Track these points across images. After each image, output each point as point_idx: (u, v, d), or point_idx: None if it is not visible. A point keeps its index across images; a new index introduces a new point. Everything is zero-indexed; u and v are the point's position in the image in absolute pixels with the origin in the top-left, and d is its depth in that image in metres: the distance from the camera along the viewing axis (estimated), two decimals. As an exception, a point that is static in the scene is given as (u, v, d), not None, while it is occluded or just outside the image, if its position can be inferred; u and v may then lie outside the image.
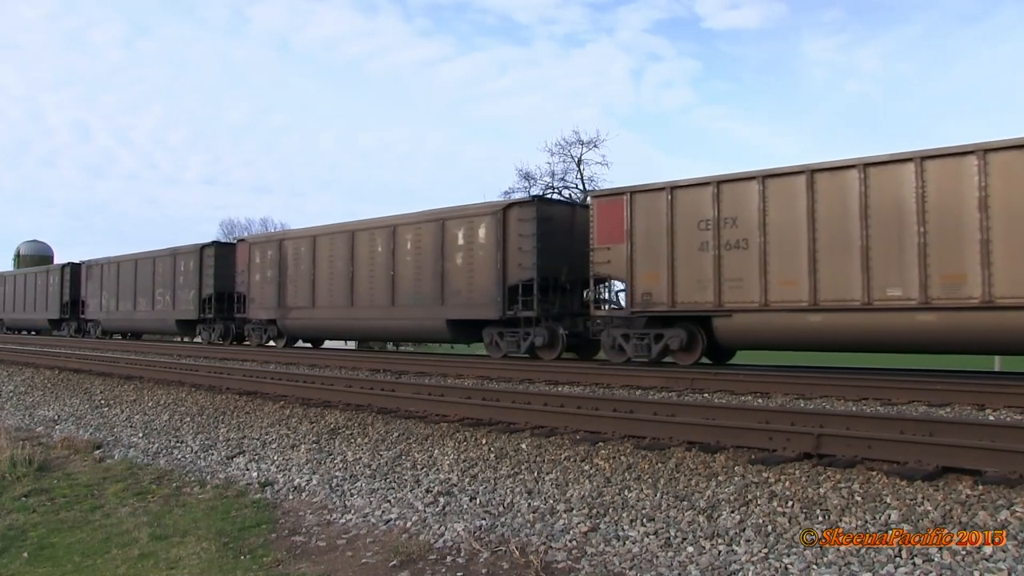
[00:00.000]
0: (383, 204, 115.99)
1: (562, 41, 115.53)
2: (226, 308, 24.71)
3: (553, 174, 39.13)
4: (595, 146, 38.99)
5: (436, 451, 7.47)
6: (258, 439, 8.95)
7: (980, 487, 4.97)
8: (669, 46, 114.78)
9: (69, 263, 34.23)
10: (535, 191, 37.48)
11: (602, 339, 14.66)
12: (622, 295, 14.66)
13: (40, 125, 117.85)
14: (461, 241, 16.91)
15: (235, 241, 24.07)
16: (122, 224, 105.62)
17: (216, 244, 25.88)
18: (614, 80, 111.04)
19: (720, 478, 5.79)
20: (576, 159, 39.15)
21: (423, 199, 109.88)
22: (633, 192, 14.10)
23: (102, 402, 12.54)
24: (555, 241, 15.69)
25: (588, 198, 14.67)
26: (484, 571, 4.77)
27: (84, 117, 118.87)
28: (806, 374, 11.33)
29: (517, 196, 16.29)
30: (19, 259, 46.96)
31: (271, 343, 22.84)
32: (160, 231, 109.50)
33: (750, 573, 4.35)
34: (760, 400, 9.51)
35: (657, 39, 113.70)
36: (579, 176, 38.96)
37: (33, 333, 39.13)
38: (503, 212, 16.12)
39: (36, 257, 46.30)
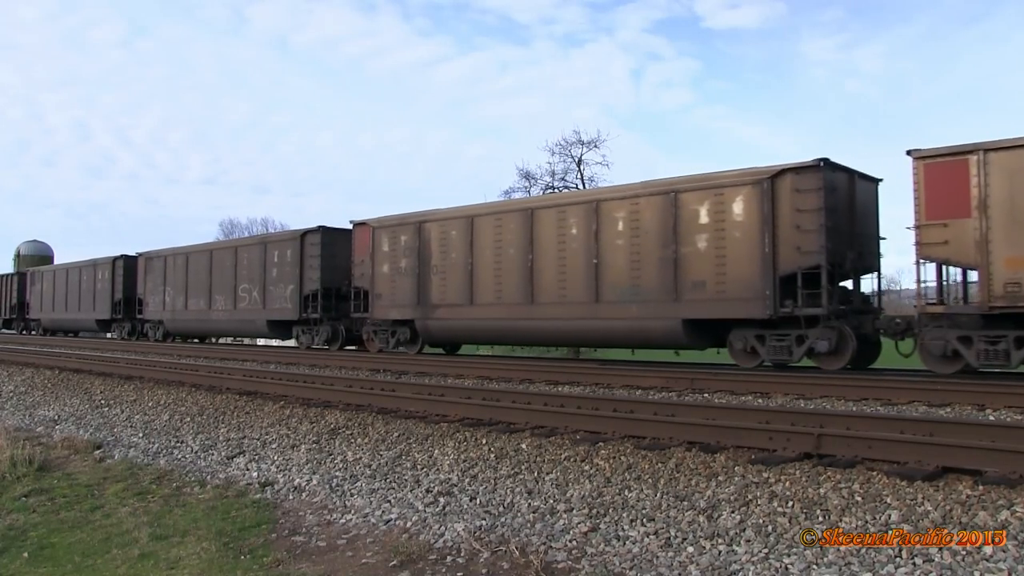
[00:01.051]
0: (383, 204, 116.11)
1: (561, 41, 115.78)
2: (333, 306, 20.97)
3: (553, 174, 39.14)
4: (595, 146, 38.99)
5: (436, 451, 7.47)
6: (258, 439, 8.95)
7: (980, 487, 4.97)
8: (668, 46, 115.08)
9: (123, 255, 30.09)
10: (535, 191, 37.48)
11: (925, 343, 11.39)
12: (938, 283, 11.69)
13: (40, 125, 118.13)
14: (705, 219, 13.38)
15: (351, 225, 20.35)
16: (122, 224, 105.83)
17: (323, 229, 21.37)
18: (614, 80, 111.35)
19: (720, 478, 5.79)
20: (576, 159, 39.16)
21: (423, 199, 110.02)
22: (988, 149, 10.85)
23: (102, 402, 12.54)
24: (840, 218, 12.62)
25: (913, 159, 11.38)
26: (484, 571, 4.77)
27: (83, 117, 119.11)
28: (806, 374, 11.33)
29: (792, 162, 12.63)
30: (19, 259, 46.99)
31: (401, 348, 18.98)
32: (160, 231, 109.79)
33: (750, 573, 4.35)
34: (760, 400, 9.52)
35: (656, 39, 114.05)
36: (579, 176, 38.99)
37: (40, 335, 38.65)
38: (771, 181, 12.66)
39: (36, 257, 46.29)
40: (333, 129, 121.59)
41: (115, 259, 30.18)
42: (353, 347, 21.07)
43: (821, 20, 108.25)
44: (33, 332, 37.63)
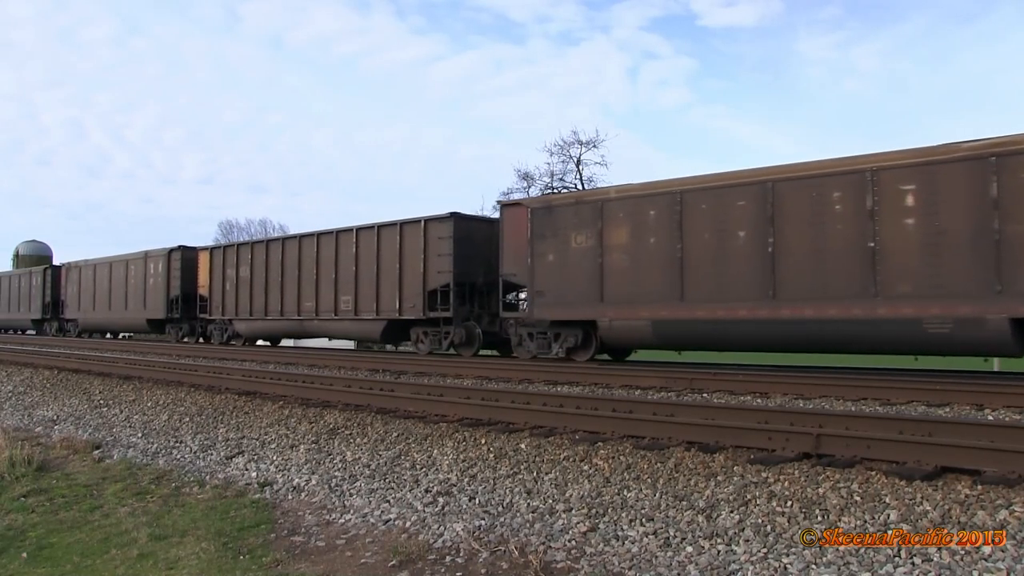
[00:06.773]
0: (381, 204, 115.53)
1: (557, 39, 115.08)
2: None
3: (552, 174, 39.25)
4: (594, 146, 39.11)
5: (435, 451, 7.47)
6: (257, 439, 8.95)
7: (979, 487, 4.98)
8: (665, 44, 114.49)
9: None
10: (534, 191, 37.62)
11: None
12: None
13: (34, 124, 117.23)
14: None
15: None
16: (120, 224, 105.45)
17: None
18: (610, 78, 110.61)
19: (719, 478, 5.80)
20: (575, 159, 39.24)
21: (421, 198, 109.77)
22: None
23: (101, 402, 12.53)
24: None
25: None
26: (483, 571, 4.77)
27: (78, 116, 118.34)
28: (805, 374, 11.33)
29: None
30: (17, 259, 46.84)
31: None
32: (158, 231, 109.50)
33: (749, 573, 4.35)
34: (759, 400, 9.52)
35: (653, 37, 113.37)
36: (578, 176, 39.05)
37: (18, 333, 39.46)
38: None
39: (35, 257, 46.14)
40: (329, 128, 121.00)
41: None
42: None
43: (818, 18, 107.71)
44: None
